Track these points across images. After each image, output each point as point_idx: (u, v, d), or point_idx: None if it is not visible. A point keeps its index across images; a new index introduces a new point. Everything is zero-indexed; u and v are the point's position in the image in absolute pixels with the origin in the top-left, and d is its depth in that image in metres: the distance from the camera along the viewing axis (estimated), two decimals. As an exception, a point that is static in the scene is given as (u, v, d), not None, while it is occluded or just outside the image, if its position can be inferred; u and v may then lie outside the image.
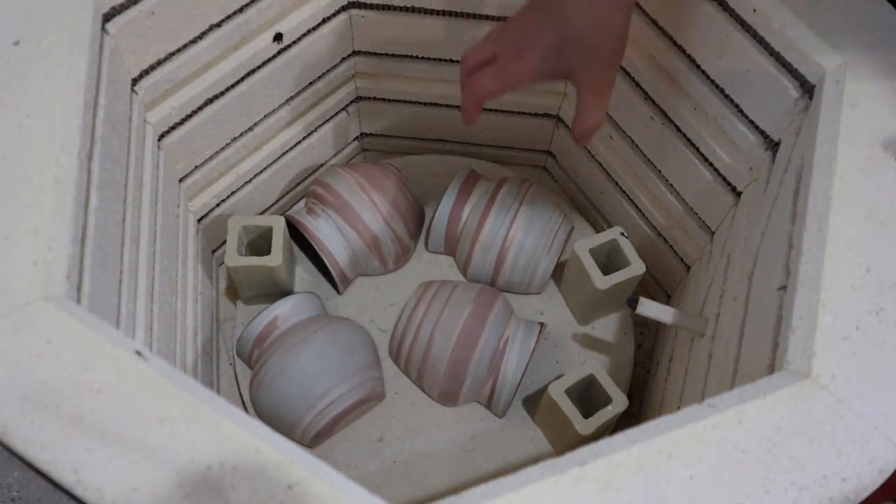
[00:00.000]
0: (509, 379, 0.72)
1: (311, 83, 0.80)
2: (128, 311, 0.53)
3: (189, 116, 0.68)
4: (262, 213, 0.87)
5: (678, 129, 0.70)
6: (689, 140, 0.69)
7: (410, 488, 0.72)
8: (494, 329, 0.72)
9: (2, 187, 0.43)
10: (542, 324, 0.75)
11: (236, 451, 0.36)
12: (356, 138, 0.94)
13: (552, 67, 0.54)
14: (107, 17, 0.55)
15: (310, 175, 0.91)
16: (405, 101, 0.87)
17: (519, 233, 0.78)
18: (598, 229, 0.90)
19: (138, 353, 0.39)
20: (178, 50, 0.63)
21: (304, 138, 0.85)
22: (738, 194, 0.66)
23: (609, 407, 0.68)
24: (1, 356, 0.38)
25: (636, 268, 0.74)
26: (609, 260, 0.78)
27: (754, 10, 0.56)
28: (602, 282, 0.73)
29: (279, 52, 0.73)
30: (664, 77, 0.69)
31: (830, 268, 0.43)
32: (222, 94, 0.70)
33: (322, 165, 0.92)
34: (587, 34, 0.52)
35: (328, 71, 0.81)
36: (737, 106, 0.62)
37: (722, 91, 0.63)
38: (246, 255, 0.76)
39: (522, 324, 0.74)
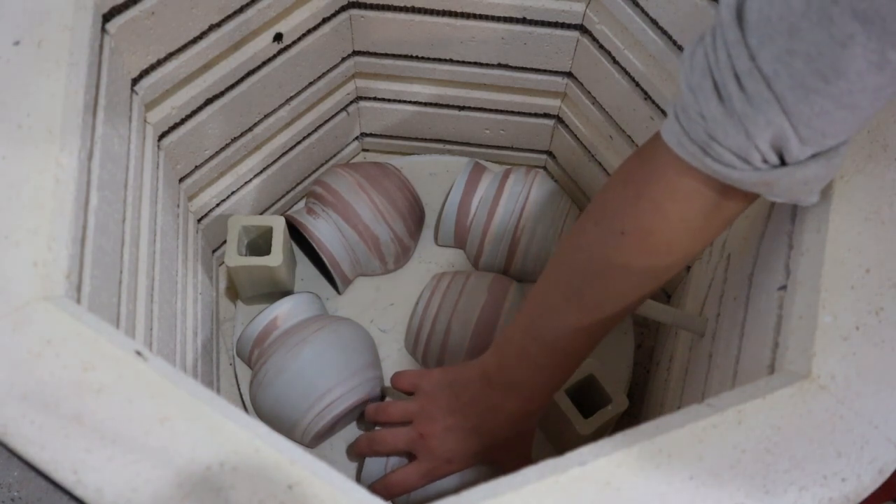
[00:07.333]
0: None
1: (311, 83, 0.80)
2: (128, 311, 0.53)
3: (189, 116, 0.68)
4: (262, 213, 0.87)
5: (678, 129, 0.69)
6: (689, 140, 0.69)
7: (410, 488, 0.72)
8: (510, 316, 0.72)
9: (2, 187, 0.43)
10: None
11: (236, 451, 0.36)
12: (356, 138, 0.94)
13: (479, 463, 0.64)
14: (107, 17, 0.55)
15: (310, 175, 0.91)
16: (405, 101, 0.87)
17: (529, 221, 0.78)
18: (598, 229, 0.90)
19: (138, 353, 0.39)
20: (178, 50, 0.63)
21: (304, 138, 0.85)
22: (738, 194, 0.66)
23: (609, 407, 0.68)
24: (1, 356, 0.38)
25: (636, 268, 0.74)
26: (609, 260, 0.78)
27: (754, 10, 0.56)
28: (602, 282, 0.73)
29: (279, 52, 0.73)
30: (664, 77, 0.69)
31: (830, 268, 0.43)
32: (222, 94, 0.70)
33: (322, 165, 0.92)
34: (510, 442, 0.62)
35: (328, 71, 0.81)
36: (737, 106, 0.62)
37: (722, 91, 0.62)
38: (246, 255, 0.76)
39: None
